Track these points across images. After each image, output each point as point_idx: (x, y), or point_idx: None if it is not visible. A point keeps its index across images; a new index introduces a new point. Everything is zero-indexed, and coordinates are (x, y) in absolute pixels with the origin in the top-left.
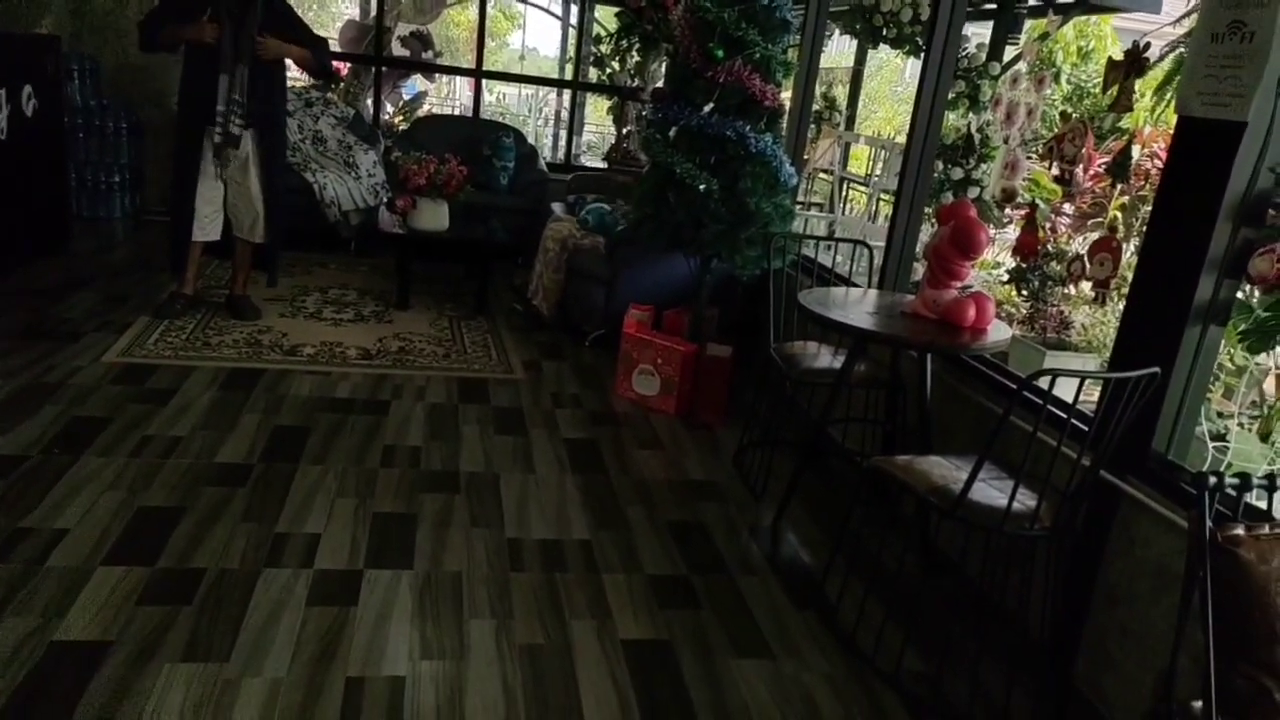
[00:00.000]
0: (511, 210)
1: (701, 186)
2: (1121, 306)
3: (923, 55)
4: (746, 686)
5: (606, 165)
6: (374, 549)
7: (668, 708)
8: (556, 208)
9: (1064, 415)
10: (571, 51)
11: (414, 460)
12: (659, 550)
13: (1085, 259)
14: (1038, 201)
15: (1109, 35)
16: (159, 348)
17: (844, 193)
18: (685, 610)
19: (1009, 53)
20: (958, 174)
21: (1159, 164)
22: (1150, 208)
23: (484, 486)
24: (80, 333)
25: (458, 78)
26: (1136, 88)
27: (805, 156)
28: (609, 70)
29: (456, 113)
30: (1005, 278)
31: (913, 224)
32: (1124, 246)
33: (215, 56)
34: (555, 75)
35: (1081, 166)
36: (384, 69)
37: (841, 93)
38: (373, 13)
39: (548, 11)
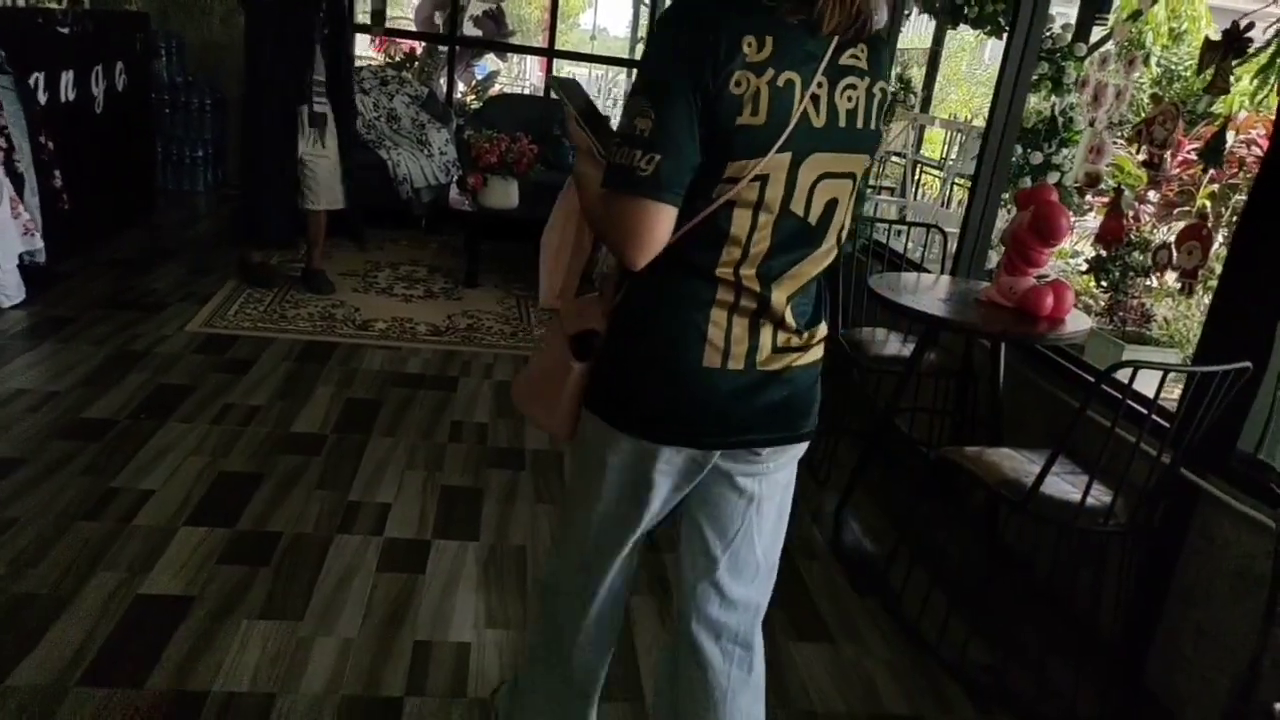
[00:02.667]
0: None
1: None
2: (1208, 299)
3: (1005, 35)
4: (806, 669)
5: None
6: (442, 520)
7: None
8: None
9: (1144, 410)
10: (643, 32)
11: (481, 436)
12: None
13: (1172, 247)
14: (1123, 187)
15: (1204, 15)
16: (238, 319)
17: (917, 177)
18: None
19: (1096, 33)
20: (1037, 158)
21: (1255, 151)
22: (1242, 196)
23: (548, 464)
24: (165, 303)
25: (529, 57)
26: (1234, 70)
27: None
28: None
29: (527, 92)
30: (1084, 267)
31: (989, 209)
32: (1214, 235)
33: (301, 38)
34: (625, 55)
35: (1170, 152)
36: (458, 48)
37: (918, 74)
38: None
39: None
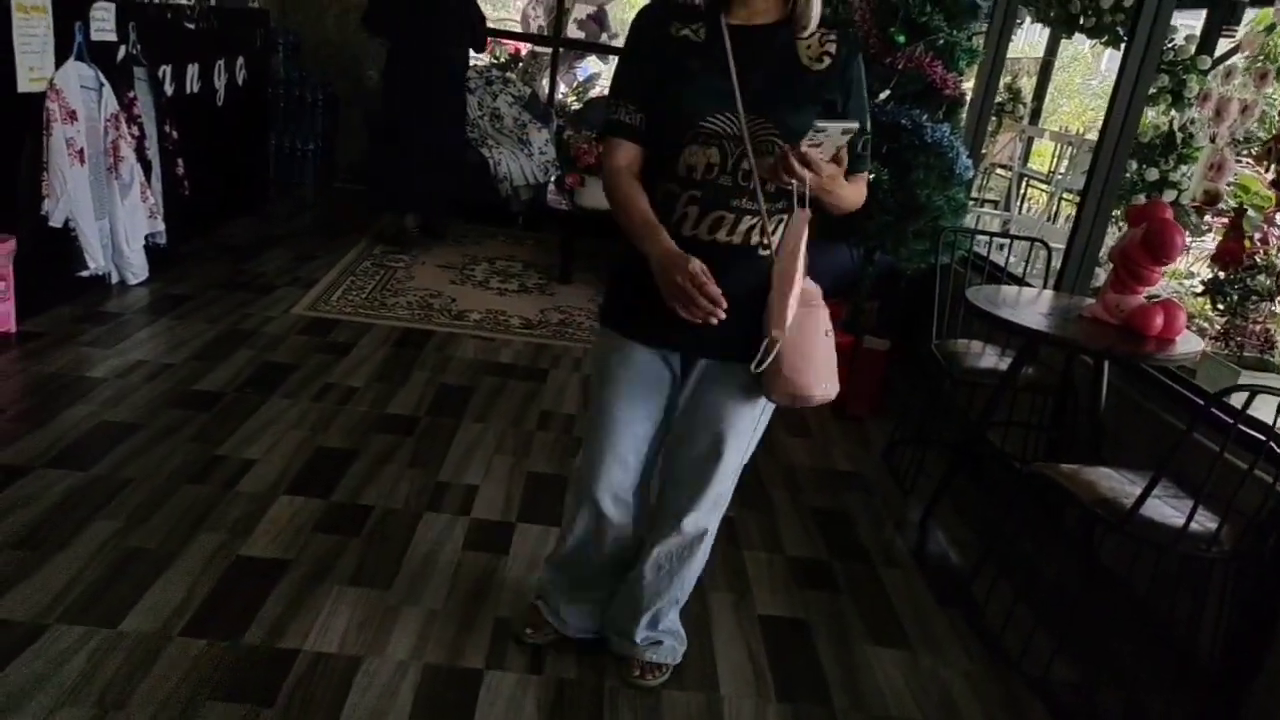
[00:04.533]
0: None
1: (871, 175)
2: None
3: (1123, 46)
4: (882, 673)
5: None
6: (526, 504)
7: (801, 682)
8: None
9: (1260, 436)
10: None
11: (567, 427)
12: (801, 534)
13: None
14: (1246, 207)
15: None
16: (341, 304)
17: (1022, 190)
18: (824, 593)
19: (1222, 46)
20: (1153, 174)
21: None
22: None
23: None
24: (273, 286)
25: None
26: None
27: (983, 150)
28: None
29: None
30: (1199, 289)
31: (1099, 225)
32: None
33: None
34: None
35: None
36: (561, 50)
37: (1028, 84)
38: None
39: None
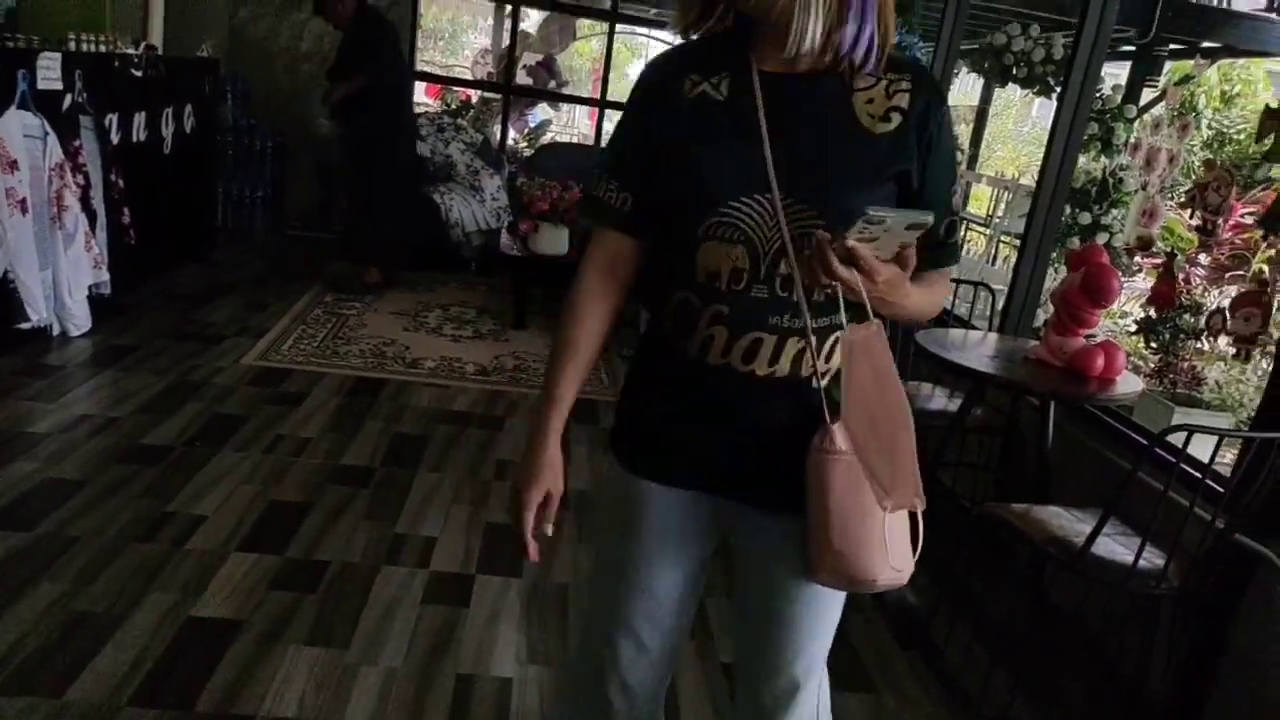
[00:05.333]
0: None
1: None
2: (1265, 364)
3: (1056, 95)
4: (849, 718)
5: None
6: (485, 556)
7: None
8: None
9: (1197, 474)
10: None
11: None
12: None
13: (1226, 313)
14: (1174, 251)
15: (1261, 80)
16: (292, 353)
17: (963, 234)
18: None
19: (1146, 95)
20: (1086, 218)
21: None
22: None
23: (591, 504)
24: (222, 336)
25: (579, 106)
26: None
27: None
28: None
29: (576, 139)
30: (1133, 328)
31: (1039, 268)
32: (1274, 301)
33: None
34: None
35: (1224, 217)
36: (512, 97)
37: (964, 131)
38: (504, 43)
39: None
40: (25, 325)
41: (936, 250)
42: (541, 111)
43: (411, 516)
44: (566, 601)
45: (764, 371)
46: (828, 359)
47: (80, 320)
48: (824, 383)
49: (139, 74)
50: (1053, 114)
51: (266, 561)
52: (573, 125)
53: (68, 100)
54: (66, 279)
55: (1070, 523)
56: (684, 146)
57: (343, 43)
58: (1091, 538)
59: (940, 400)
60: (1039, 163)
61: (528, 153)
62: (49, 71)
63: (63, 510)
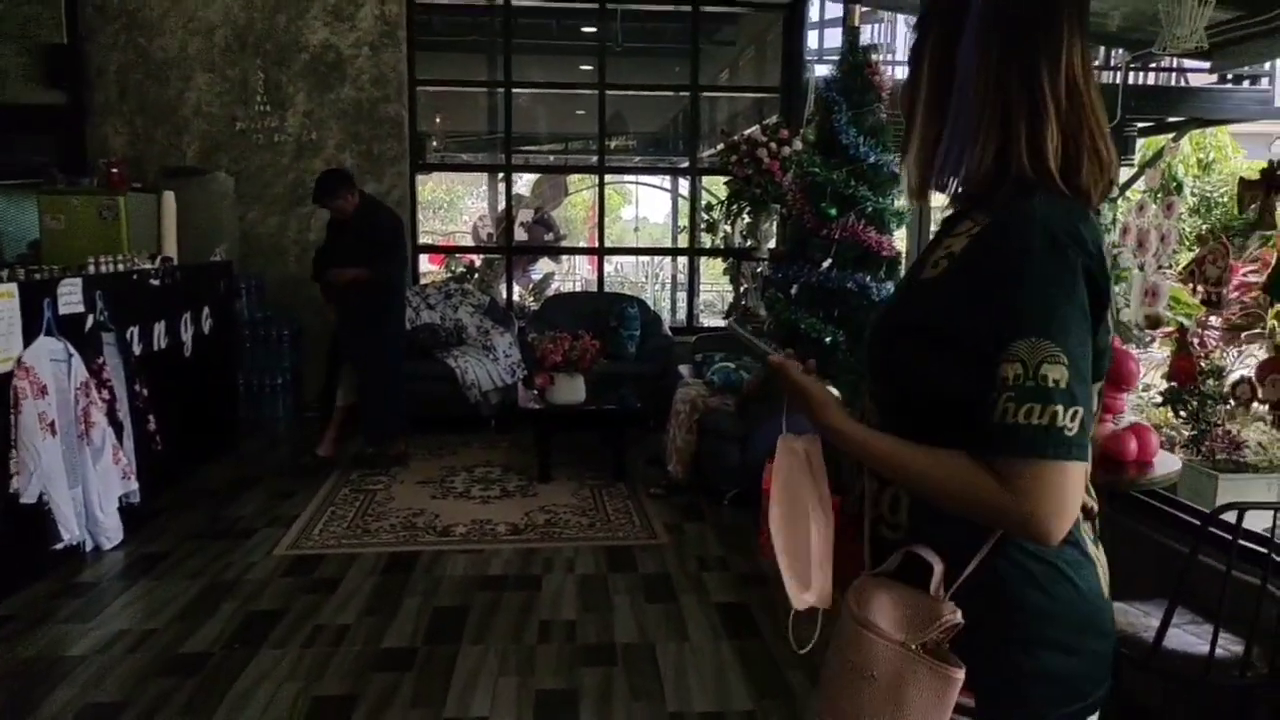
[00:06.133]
0: (641, 376)
1: (827, 339)
2: None
3: None
4: None
5: (726, 324)
6: None
7: None
8: (683, 370)
9: (1262, 549)
10: (684, 221)
11: (570, 634)
12: None
13: (1253, 382)
14: (1183, 321)
15: (1229, 144)
16: (324, 537)
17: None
18: None
19: (1124, 173)
20: None
21: None
22: None
23: (641, 657)
24: (252, 529)
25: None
26: (1279, 205)
27: None
28: (722, 234)
29: (579, 286)
30: (1158, 399)
31: None
32: None
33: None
34: (667, 239)
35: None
36: (512, 255)
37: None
38: (500, 205)
39: (658, 188)
40: (59, 545)
41: (985, 423)
42: (543, 265)
43: (459, 696)
44: None
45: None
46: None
47: (112, 533)
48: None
49: (156, 283)
50: None
51: None
52: (574, 273)
53: (90, 321)
54: (97, 493)
55: (1135, 617)
56: None
57: (356, 236)
58: (1162, 631)
59: None
60: None
61: (534, 307)
62: (70, 296)
63: None
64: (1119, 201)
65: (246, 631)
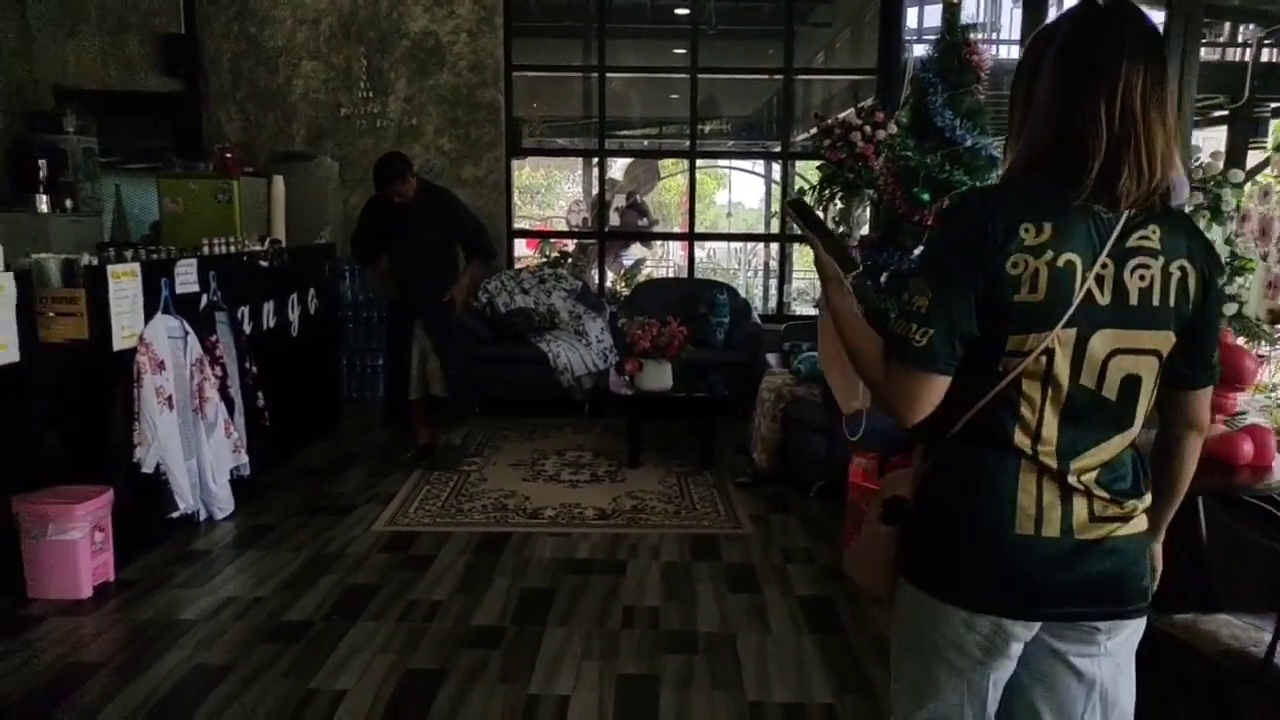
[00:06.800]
0: (729, 364)
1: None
2: None
3: None
4: None
5: (818, 311)
6: (621, 711)
7: None
8: (770, 359)
9: None
10: (776, 206)
11: (653, 621)
12: None
13: None
14: None
15: None
16: (419, 515)
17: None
18: None
19: (1253, 157)
20: None
21: None
22: None
23: (722, 647)
24: (352, 506)
25: (671, 241)
26: None
27: None
28: None
29: (670, 272)
30: None
31: None
32: None
33: (393, 251)
34: (760, 225)
35: None
36: (606, 241)
37: None
38: (594, 190)
39: (752, 172)
40: (175, 514)
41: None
42: (635, 251)
43: (544, 675)
44: None
45: None
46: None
47: (224, 503)
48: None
49: (266, 264)
50: None
51: None
52: (667, 259)
53: (204, 300)
54: (210, 466)
55: (1244, 631)
56: None
57: (421, 219)
58: (1274, 645)
59: None
60: None
61: (626, 292)
62: (186, 276)
63: (212, 699)
64: (1244, 187)
65: (345, 603)
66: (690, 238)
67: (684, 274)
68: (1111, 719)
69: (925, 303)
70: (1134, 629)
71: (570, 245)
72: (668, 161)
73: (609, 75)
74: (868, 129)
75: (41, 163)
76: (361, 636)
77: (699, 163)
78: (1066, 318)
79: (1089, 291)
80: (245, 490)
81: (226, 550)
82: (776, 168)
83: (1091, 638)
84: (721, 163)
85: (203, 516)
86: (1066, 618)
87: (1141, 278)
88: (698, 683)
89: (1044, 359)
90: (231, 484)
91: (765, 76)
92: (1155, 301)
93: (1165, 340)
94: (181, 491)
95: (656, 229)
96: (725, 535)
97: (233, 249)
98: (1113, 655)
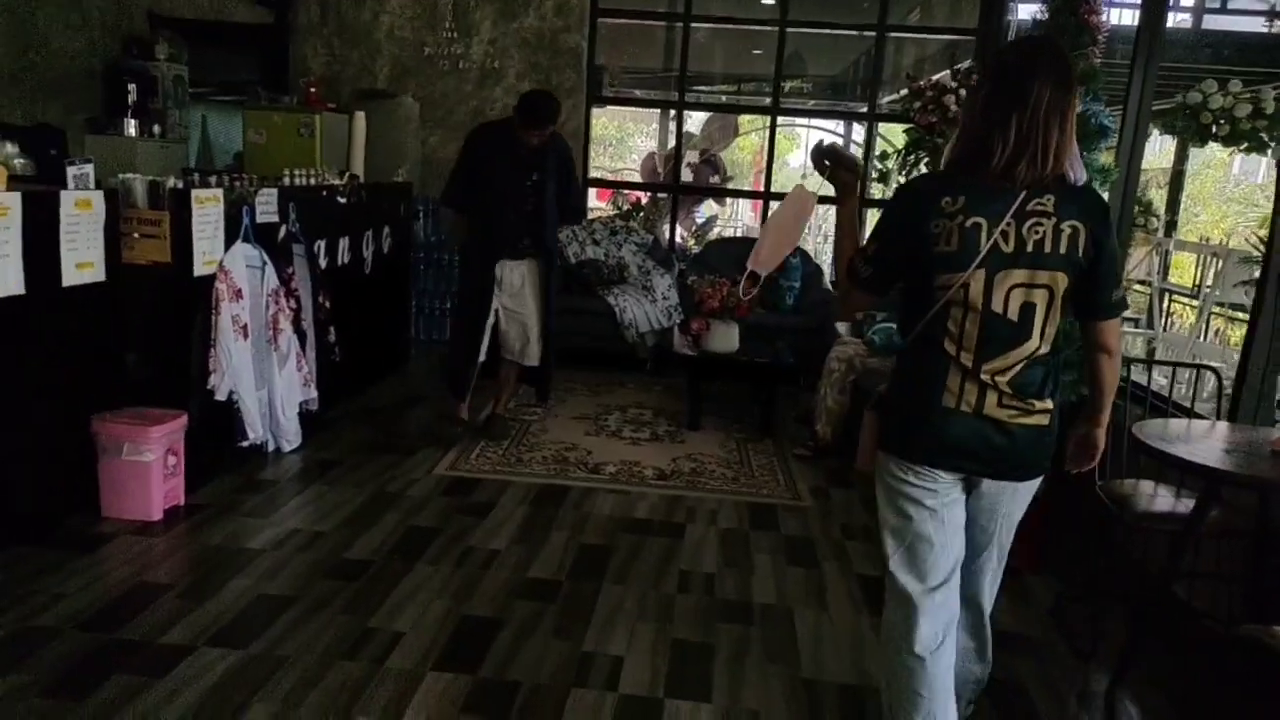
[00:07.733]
0: (797, 330)
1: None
2: None
3: (1272, 151)
4: None
5: None
6: (674, 677)
7: None
8: (841, 328)
9: None
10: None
11: (709, 588)
12: (974, 711)
13: None
14: None
15: None
16: (480, 463)
17: (1164, 306)
18: None
19: None
20: None
21: None
22: None
23: (778, 620)
24: (416, 447)
25: (743, 200)
26: None
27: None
28: (895, 185)
29: (741, 232)
30: None
31: (1276, 345)
32: None
33: (504, 198)
34: (833, 188)
35: None
36: (679, 196)
37: (1157, 195)
38: (669, 144)
39: (831, 133)
40: (244, 443)
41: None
42: (707, 208)
43: (598, 633)
44: None
45: None
46: None
47: (292, 436)
48: None
49: (343, 200)
50: (1263, 170)
51: (460, 682)
52: (737, 218)
53: (282, 231)
54: (280, 398)
55: None
56: None
57: (543, 166)
58: None
59: (1166, 501)
60: (1247, 225)
61: (695, 249)
62: (267, 206)
63: (274, 628)
64: None
65: (405, 544)
66: (765, 196)
67: (755, 234)
68: (999, 522)
69: (873, 249)
70: (1018, 487)
71: (643, 198)
72: (744, 119)
73: (694, 26)
74: (963, 92)
75: (131, 87)
76: (419, 579)
77: (779, 120)
78: (977, 261)
79: (995, 243)
80: (312, 424)
81: (292, 482)
82: (858, 130)
83: (1000, 484)
84: (800, 121)
85: (271, 448)
86: (969, 470)
87: (1036, 232)
88: (753, 655)
89: (963, 291)
90: (300, 417)
91: (855, 33)
92: (1047, 249)
93: (1056, 279)
94: (252, 421)
95: (729, 186)
96: (784, 506)
97: (312, 182)
98: (1016, 494)
